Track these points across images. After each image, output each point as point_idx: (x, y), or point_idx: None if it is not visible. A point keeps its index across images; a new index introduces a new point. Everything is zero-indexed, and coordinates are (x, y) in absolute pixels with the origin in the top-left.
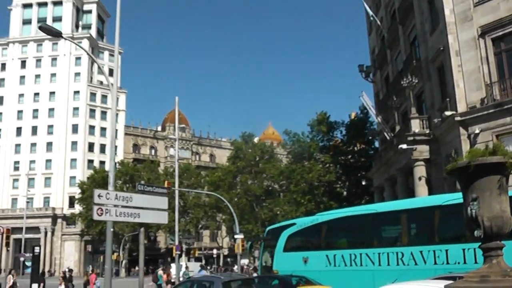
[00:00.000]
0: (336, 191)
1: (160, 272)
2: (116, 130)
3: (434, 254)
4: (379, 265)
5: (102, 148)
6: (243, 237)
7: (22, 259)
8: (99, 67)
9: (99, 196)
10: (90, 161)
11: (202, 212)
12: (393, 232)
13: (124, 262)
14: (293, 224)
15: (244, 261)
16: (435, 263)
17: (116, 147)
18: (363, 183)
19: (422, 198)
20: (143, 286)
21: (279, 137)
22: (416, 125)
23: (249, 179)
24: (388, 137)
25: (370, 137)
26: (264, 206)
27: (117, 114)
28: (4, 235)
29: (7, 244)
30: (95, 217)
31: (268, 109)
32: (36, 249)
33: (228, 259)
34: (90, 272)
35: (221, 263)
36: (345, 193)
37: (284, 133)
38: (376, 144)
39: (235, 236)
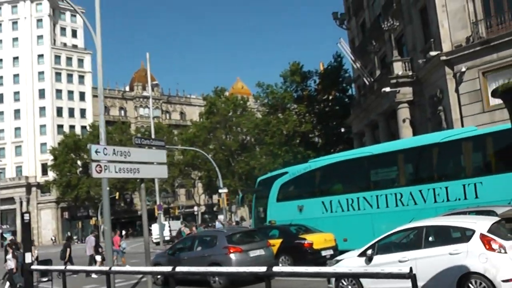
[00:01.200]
0: (312, 141)
1: (183, 228)
2: (84, 92)
3: (434, 192)
4: (377, 207)
5: (71, 112)
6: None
7: (0, 231)
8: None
9: (96, 152)
10: (60, 126)
11: (177, 171)
12: (390, 173)
13: (102, 226)
14: (285, 173)
15: (220, 217)
16: (435, 201)
17: (85, 110)
18: (342, 130)
19: (419, 137)
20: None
21: (248, 91)
22: (398, 68)
23: (224, 134)
24: (367, 83)
25: (345, 85)
26: (240, 160)
27: (83, 76)
28: None
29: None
30: (94, 174)
31: (235, 64)
32: (26, 217)
33: (206, 216)
34: (113, 234)
35: (199, 221)
36: (321, 142)
37: (256, 85)
38: (351, 91)
39: (220, 191)
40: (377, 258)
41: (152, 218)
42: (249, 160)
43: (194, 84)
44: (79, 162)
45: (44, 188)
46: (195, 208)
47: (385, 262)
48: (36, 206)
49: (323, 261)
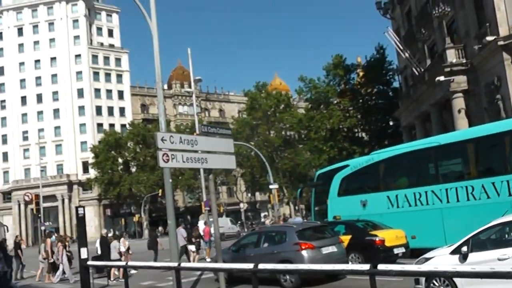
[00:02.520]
0: (357, 136)
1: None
2: (122, 91)
3: (508, 185)
4: (447, 202)
5: (110, 110)
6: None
7: (43, 228)
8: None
9: (162, 140)
10: (99, 125)
11: (219, 168)
12: (460, 165)
13: (145, 223)
14: (346, 166)
15: (263, 214)
16: (510, 194)
17: (123, 108)
18: (390, 123)
19: (489, 125)
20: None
21: (287, 87)
22: (451, 56)
23: (266, 130)
24: (417, 73)
25: (392, 75)
26: (284, 157)
27: (121, 75)
28: (34, 202)
29: (37, 211)
30: (161, 164)
31: (272, 60)
32: (80, 211)
33: (249, 214)
34: (204, 224)
35: (242, 218)
36: (366, 137)
37: (299, 79)
38: (396, 84)
39: (270, 186)
40: (472, 256)
41: (197, 216)
42: (293, 157)
43: (232, 81)
44: (120, 160)
45: (85, 185)
46: (241, 205)
47: (482, 260)
48: (78, 203)
49: (394, 260)
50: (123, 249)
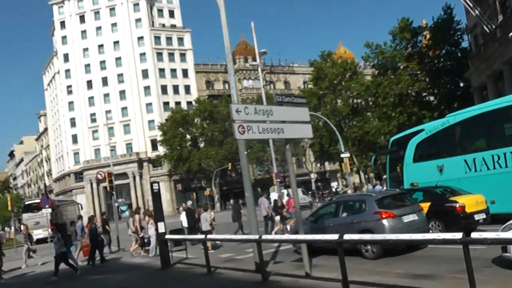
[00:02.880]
0: (426, 100)
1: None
2: (186, 69)
3: None
4: None
5: (175, 89)
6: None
7: (116, 204)
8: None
9: (237, 111)
10: (166, 103)
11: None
12: None
13: (217, 197)
14: (421, 130)
15: (333, 184)
16: None
17: (188, 86)
18: (460, 85)
19: None
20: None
21: (351, 55)
22: None
23: (334, 99)
24: (488, 30)
25: (460, 35)
26: (352, 125)
27: (184, 54)
28: (107, 179)
29: (111, 188)
30: (238, 136)
31: (335, 29)
32: (155, 186)
33: (319, 184)
34: (286, 196)
35: (313, 188)
36: (435, 100)
37: (365, 46)
38: (464, 44)
39: (342, 155)
40: None
41: (267, 188)
42: (362, 125)
43: (296, 53)
44: (188, 136)
45: (155, 162)
46: (312, 176)
47: None
48: (148, 180)
49: (475, 227)
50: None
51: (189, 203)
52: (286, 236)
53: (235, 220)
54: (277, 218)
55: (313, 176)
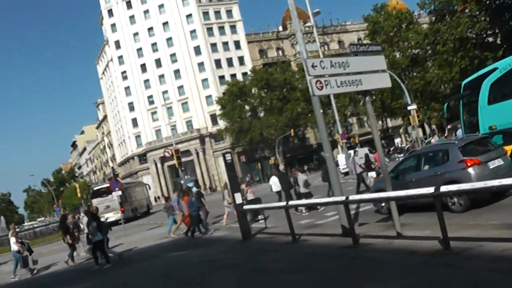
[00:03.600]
0: (487, 41)
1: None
2: (238, 41)
3: None
4: None
5: (229, 61)
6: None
7: (182, 182)
8: None
9: (313, 66)
10: (221, 77)
11: (347, 99)
12: None
13: (281, 164)
14: (494, 69)
15: (397, 140)
16: None
17: (242, 57)
18: None
19: None
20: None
21: (404, 5)
22: None
23: (391, 51)
24: None
25: None
26: (413, 77)
27: (234, 26)
28: (174, 156)
29: (179, 164)
30: (316, 92)
31: None
32: (228, 157)
33: (382, 141)
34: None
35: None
36: (498, 40)
37: None
38: None
39: (409, 108)
40: None
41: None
42: (423, 75)
43: (347, 11)
44: (247, 107)
45: (217, 137)
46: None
47: None
48: (212, 154)
49: None
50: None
51: (281, 167)
52: (376, 195)
53: (324, 180)
54: (373, 174)
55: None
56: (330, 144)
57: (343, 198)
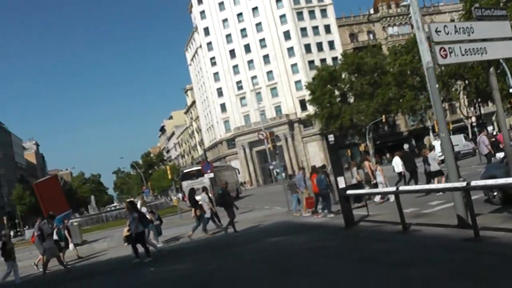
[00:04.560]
0: None
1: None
2: (328, 25)
3: None
4: None
5: (319, 46)
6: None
7: (271, 167)
8: None
9: (436, 31)
10: (311, 62)
11: (440, 84)
12: None
13: (371, 151)
14: None
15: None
16: None
17: (332, 42)
18: None
19: None
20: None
21: None
22: None
23: None
24: None
25: None
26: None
27: (325, 9)
28: (269, 139)
29: (274, 148)
30: (440, 60)
31: None
32: (331, 138)
33: (475, 129)
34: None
35: (469, 134)
36: None
37: None
38: None
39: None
40: None
41: (421, 139)
42: None
43: None
44: (337, 92)
45: (306, 122)
46: (472, 120)
47: None
48: (301, 140)
49: None
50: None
51: (405, 146)
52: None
53: (407, 169)
54: (500, 154)
55: (469, 120)
56: (423, 131)
57: (463, 184)
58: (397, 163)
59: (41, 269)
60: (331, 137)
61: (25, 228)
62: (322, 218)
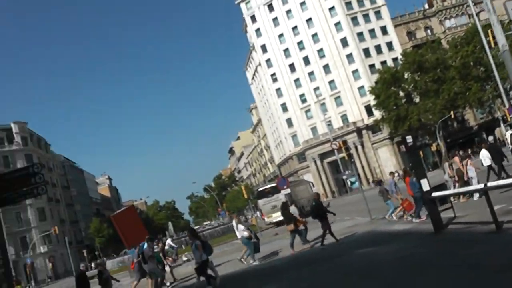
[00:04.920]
0: None
1: None
2: (384, 26)
3: None
4: None
5: (378, 49)
6: None
7: (344, 177)
8: None
9: None
10: (371, 66)
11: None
12: None
13: (443, 150)
14: None
15: None
16: None
17: (390, 42)
18: None
19: None
20: None
21: None
22: None
23: None
24: None
25: None
26: None
27: (379, 11)
28: (343, 148)
29: (349, 156)
30: None
31: None
32: (409, 139)
33: None
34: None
35: None
36: None
37: None
38: None
39: None
40: None
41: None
42: None
43: None
44: (401, 93)
45: (374, 128)
46: None
47: None
48: (371, 147)
49: None
50: None
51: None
52: None
53: (496, 163)
54: None
55: None
56: (493, 123)
57: None
58: (485, 156)
59: None
60: (409, 138)
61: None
62: (408, 224)
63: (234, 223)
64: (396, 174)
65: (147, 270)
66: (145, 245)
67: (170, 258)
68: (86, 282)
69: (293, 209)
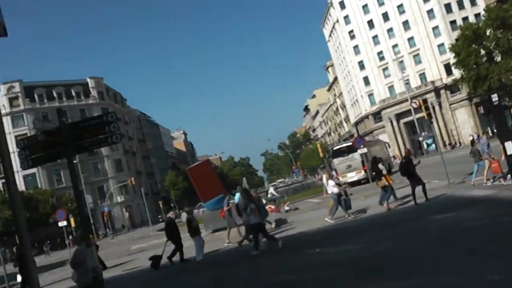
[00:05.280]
0: None
1: None
2: None
3: None
4: None
5: (460, 4)
6: None
7: (420, 138)
8: None
9: None
10: (452, 22)
11: None
12: None
13: None
14: None
15: None
16: None
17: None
18: None
19: None
20: None
21: None
22: None
23: None
24: None
25: None
26: None
27: None
28: (423, 107)
29: (429, 115)
30: None
31: None
32: (494, 98)
33: None
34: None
35: None
36: None
37: None
38: None
39: None
40: None
41: None
42: None
43: None
44: (482, 51)
45: (453, 87)
46: None
47: None
48: (449, 108)
49: None
50: None
51: None
52: None
53: None
54: None
55: None
56: None
57: None
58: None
59: (230, 243)
60: (494, 97)
61: (179, 211)
62: (488, 190)
63: (324, 179)
64: (476, 136)
65: (241, 222)
66: (237, 197)
67: (272, 207)
68: (176, 228)
69: (381, 166)
